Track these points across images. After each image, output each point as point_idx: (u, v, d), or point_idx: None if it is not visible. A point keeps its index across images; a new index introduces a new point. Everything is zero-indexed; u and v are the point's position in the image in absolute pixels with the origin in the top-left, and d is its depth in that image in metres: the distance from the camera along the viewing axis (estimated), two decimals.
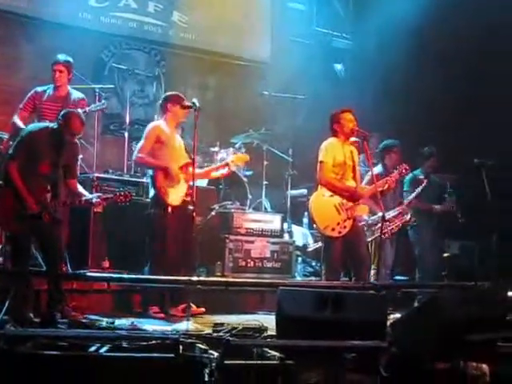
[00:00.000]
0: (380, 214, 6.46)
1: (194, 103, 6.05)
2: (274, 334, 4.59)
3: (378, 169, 7.44)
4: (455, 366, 4.33)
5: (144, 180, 7.12)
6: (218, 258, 7.18)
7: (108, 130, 8.76)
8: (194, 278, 5.84)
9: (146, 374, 3.94)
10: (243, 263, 7.25)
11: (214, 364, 4.01)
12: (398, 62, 9.34)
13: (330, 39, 10.83)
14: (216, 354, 4.11)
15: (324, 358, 4.24)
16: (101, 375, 3.91)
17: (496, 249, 6.96)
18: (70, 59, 6.72)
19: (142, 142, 6.32)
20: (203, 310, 6.10)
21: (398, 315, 5.18)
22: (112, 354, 4.10)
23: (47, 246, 5.48)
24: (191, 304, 5.75)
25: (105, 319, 5.33)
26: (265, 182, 8.33)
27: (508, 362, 4.48)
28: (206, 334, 4.82)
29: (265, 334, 4.75)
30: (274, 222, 7.70)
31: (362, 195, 6.43)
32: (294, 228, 8.43)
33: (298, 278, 7.73)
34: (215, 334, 4.76)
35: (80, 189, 5.67)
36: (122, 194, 5.68)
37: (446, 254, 7.98)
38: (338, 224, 6.31)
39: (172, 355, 4.02)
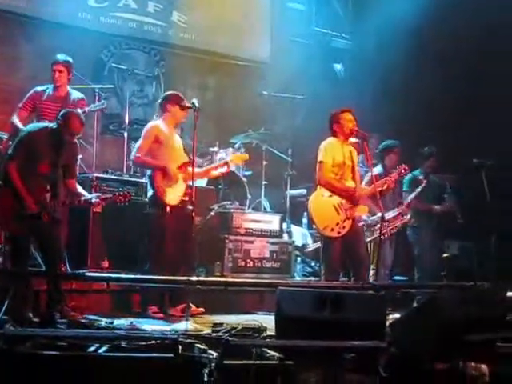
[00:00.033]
0: (379, 214, 6.47)
1: (193, 103, 6.06)
2: (273, 334, 4.59)
3: (377, 169, 7.44)
4: (454, 366, 4.33)
5: (143, 180, 7.11)
6: (217, 257, 7.18)
7: (107, 130, 8.76)
8: (194, 278, 5.84)
9: (145, 374, 3.95)
10: (242, 263, 7.25)
11: (213, 364, 4.02)
12: (397, 62, 9.34)
13: (330, 39, 10.84)
14: (215, 354, 4.11)
15: (323, 358, 4.24)
16: (100, 375, 3.91)
17: (495, 249, 6.96)
18: (70, 59, 6.73)
19: (140, 142, 6.33)
20: (202, 310, 6.10)
21: (397, 315, 5.17)
22: (111, 354, 4.10)
23: (46, 246, 5.48)
24: (190, 304, 5.76)
25: (104, 319, 5.34)
26: (264, 182, 8.34)
27: (507, 362, 4.48)
28: (205, 333, 4.82)
29: (264, 334, 4.74)
30: (273, 222, 7.70)
31: (360, 197, 6.42)
32: (294, 228, 8.44)
33: (298, 278, 7.73)
34: (214, 334, 4.76)
35: (79, 189, 5.68)
36: (121, 194, 5.68)
37: (445, 255, 7.97)
38: (337, 224, 6.31)
39: (171, 355, 4.03)
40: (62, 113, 5.57)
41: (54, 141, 5.44)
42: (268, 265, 7.38)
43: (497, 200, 6.96)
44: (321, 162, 6.40)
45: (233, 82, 9.68)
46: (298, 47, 10.24)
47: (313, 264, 8.21)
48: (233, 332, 4.73)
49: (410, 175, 7.59)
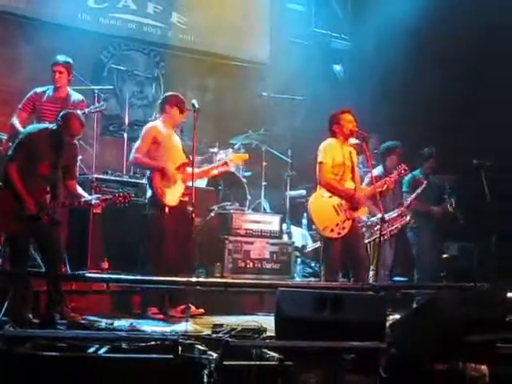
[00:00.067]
0: (379, 215, 6.47)
1: (193, 104, 6.06)
2: (273, 334, 4.59)
3: (378, 170, 7.46)
4: (454, 367, 4.33)
5: (143, 181, 7.10)
6: (217, 258, 7.18)
7: (107, 131, 8.75)
8: (194, 279, 5.84)
9: (144, 375, 3.95)
10: (242, 264, 7.25)
11: (213, 365, 4.02)
12: (396, 62, 9.34)
13: (329, 40, 10.84)
14: (215, 355, 4.11)
15: (323, 359, 4.24)
16: (100, 376, 3.91)
17: (495, 250, 6.96)
18: (70, 60, 6.73)
19: (138, 143, 6.33)
20: (202, 310, 6.10)
21: (397, 316, 5.18)
22: (111, 355, 4.10)
23: (46, 247, 5.49)
24: (190, 305, 5.76)
25: (104, 320, 5.33)
26: (264, 183, 8.34)
27: (507, 363, 4.48)
28: (205, 334, 4.82)
29: (264, 335, 4.75)
30: (273, 222, 7.69)
31: (360, 200, 6.41)
32: (293, 229, 8.44)
33: (297, 279, 7.73)
34: (214, 335, 4.77)
35: (79, 190, 5.68)
36: (121, 195, 5.69)
37: (445, 255, 7.97)
38: (337, 225, 6.31)
39: (171, 356, 4.02)
40: (61, 114, 5.57)
41: (54, 142, 5.44)
42: (268, 266, 7.38)
43: (496, 200, 6.96)
44: (320, 162, 6.41)
45: (232, 83, 9.68)
46: (297, 48, 10.25)
47: (313, 265, 8.21)
48: (233, 333, 4.74)
49: (409, 175, 7.60)
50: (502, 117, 8.42)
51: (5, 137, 6.71)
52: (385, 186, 6.61)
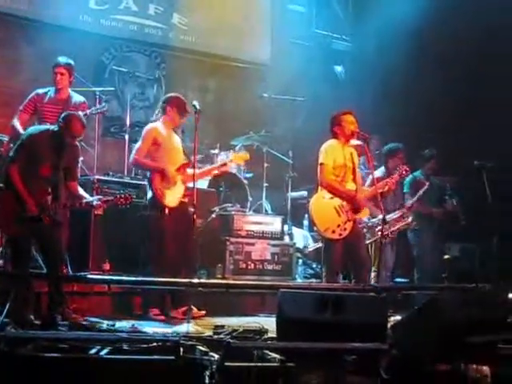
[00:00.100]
0: (380, 216, 6.47)
1: (194, 106, 6.06)
2: (274, 336, 4.59)
3: (380, 171, 7.46)
4: (456, 368, 4.33)
5: (144, 182, 7.11)
6: (218, 260, 7.18)
7: (108, 133, 8.76)
8: (195, 280, 5.84)
9: (146, 376, 3.95)
10: (244, 265, 7.25)
11: (214, 366, 4.02)
12: (397, 64, 9.34)
13: (330, 41, 10.84)
14: (216, 356, 4.11)
15: (324, 360, 4.24)
16: (101, 378, 3.91)
17: (497, 251, 6.96)
18: (72, 62, 6.73)
19: (138, 144, 6.34)
20: (204, 313, 6.09)
21: (398, 317, 5.17)
22: (112, 357, 4.10)
23: (47, 248, 5.49)
24: (192, 307, 5.75)
25: (105, 321, 5.33)
26: (265, 184, 8.34)
27: (509, 364, 4.48)
28: (207, 336, 4.82)
29: (265, 336, 4.74)
30: (274, 224, 7.69)
31: (361, 202, 6.41)
32: (295, 230, 8.43)
33: (299, 280, 7.72)
34: (216, 336, 4.76)
35: (80, 191, 5.68)
36: (123, 196, 5.69)
37: (446, 256, 7.97)
38: (339, 226, 6.31)
39: (172, 357, 4.02)
40: (63, 115, 5.57)
41: (56, 143, 5.44)
42: (269, 267, 7.38)
43: (497, 202, 6.96)
44: (322, 164, 6.41)
45: (233, 84, 9.68)
46: (298, 49, 10.24)
47: (314, 266, 8.21)
48: (234, 334, 4.73)
49: (410, 176, 7.61)
50: (503, 118, 8.41)
51: (6, 138, 6.72)
52: (386, 187, 6.61)
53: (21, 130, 6.43)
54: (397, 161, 7.45)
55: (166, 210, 6.13)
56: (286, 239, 7.92)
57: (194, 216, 5.80)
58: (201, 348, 4.28)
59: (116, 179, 7.27)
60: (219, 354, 4.10)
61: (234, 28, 9.73)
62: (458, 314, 4.40)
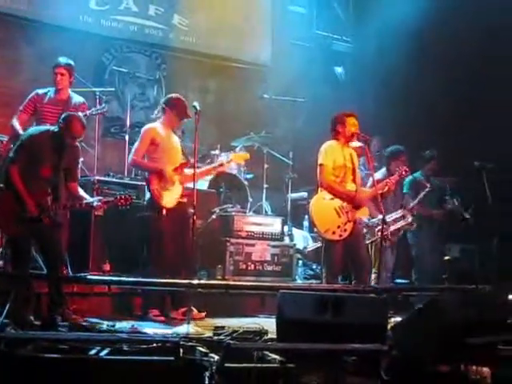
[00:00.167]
0: (380, 216, 6.46)
1: (194, 106, 6.05)
2: (274, 337, 4.59)
3: (380, 173, 7.46)
4: (456, 369, 4.33)
5: (144, 183, 7.11)
6: (218, 261, 7.17)
7: (109, 133, 8.77)
8: (195, 281, 5.83)
9: (146, 377, 3.94)
10: (244, 266, 7.24)
11: (214, 367, 4.02)
12: (398, 65, 9.34)
13: (331, 42, 10.84)
14: (216, 358, 4.11)
15: (324, 361, 4.24)
16: (101, 378, 3.91)
17: (496, 252, 6.97)
18: (72, 62, 6.73)
19: (137, 144, 6.34)
20: (204, 314, 6.09)
21: (398, 318, 5.17)
22: (112, 357, 4.10)
23: (47, 249, 5.48)
24: (192, 308, 5.75)
25: (105, 322, 5.33)
26: (265, 185, 8.33)
27: (509, 365, 4.48)
28: (207, 337, 4.82)
29: (265, 337, 4.74)
30: (274, 225, 7.69)
31: (361, 201, 6.41)
32: (295, 231, 8.43)
33: (299, 281, 7.72)
34: (216, 337, 4.76)
35: (81, 192, 5.67)
36: (123, 197, 5.69)
37: (446, 257, 7.97)
38: (339, 227, 6.31)
39: (172, 358, 4.02)
40: (63, 116, 5.57)
41: (56, 144, 5.44)
42: (269, 268, 7.38)
43: (498, 203, 6.96)
44: (321, 164, 6.41)
45: (234, 85, 9.68)
46: (298, 50, 10.24)
47: (314, 267, 8.21)
48: (234, 335, 4.73)
49: (410, 177, 7.61)
50: (504, 119, 8.41)
51: (5, 138, 6.71)
52: (386, 188, 6.61)
53: (20, 131, 6.44)
54: (399, 163, 7.43)
55: (164, 211, 6.13)
56: (286, 240, 7.91)
57: (194, 217, 5.79)
58: (201, 349, 4.29)
59: (116, 180, 7.27)
60: (219, 355, 4.10)
61: (235, 29, 9.73)
62: (458, 315, 4.40)
